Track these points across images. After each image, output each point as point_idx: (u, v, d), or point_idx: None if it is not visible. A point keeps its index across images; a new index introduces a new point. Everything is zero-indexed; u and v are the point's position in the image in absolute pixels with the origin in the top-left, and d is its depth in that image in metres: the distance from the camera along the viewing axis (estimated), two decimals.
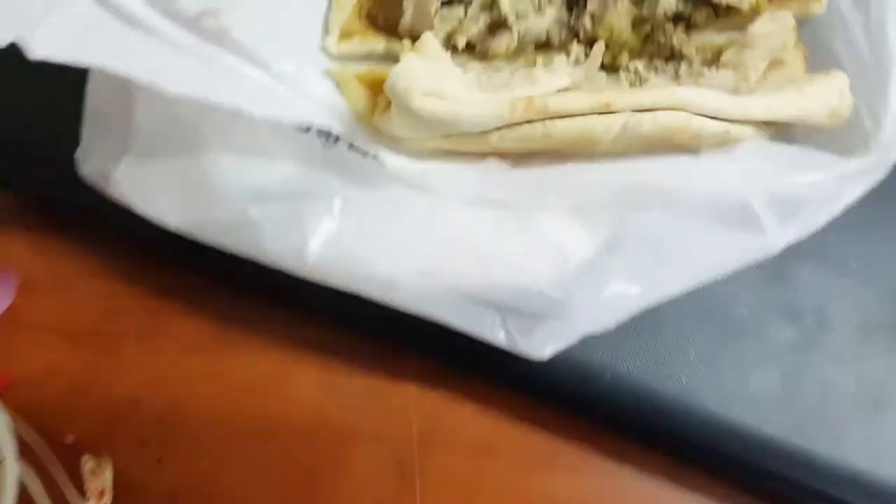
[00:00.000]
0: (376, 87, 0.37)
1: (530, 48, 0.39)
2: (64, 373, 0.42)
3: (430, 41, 0.36)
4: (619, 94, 0.34)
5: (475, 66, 0.39)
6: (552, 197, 0.34)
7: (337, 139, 0.33)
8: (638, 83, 0.37)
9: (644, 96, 0.33)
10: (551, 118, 0.33)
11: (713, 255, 0.34)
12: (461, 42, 0.38)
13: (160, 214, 0.34)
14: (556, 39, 0.39)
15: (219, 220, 0.34)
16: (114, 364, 0.42)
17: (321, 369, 0.42)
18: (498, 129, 0.34)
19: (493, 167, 0.36)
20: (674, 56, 0.39)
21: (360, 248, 0.33)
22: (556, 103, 0.33)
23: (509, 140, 0.34)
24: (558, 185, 0.35)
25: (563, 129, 0.33)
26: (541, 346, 0.34)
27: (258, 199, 0.33)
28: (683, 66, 0.38)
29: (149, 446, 0.41)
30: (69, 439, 0.41)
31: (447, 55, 0.37)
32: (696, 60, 0.38)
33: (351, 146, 0.33)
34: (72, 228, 0.45)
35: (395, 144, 0.36)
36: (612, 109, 0.33)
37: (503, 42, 0.39)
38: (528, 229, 0.34)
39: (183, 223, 0.34)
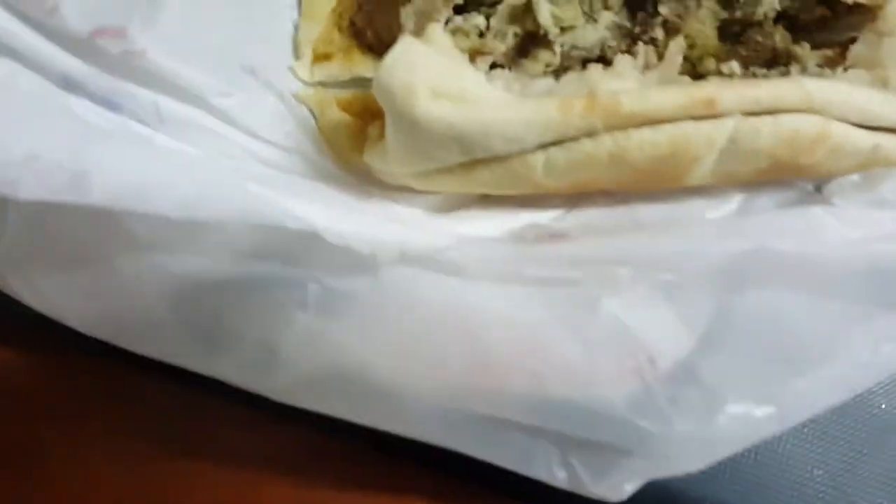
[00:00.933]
0: (366, 117, 0.30)
1: (577, 67, 0.31)
2: None
3: (438, 32, 0.27)
4: (726, 85, 0.26)
5: (502, 74, 0.31)
6: (624, 271, 0.26)
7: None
8: None
9: (762, 90, 0.26)
10: (624, 128, 0.25)
11: (871, 351, 0.25)
12: (484, 65, 0.30)
13: (55, 310, 0.27)
14: (613, 55, 0.31)
15: (135, 320, 0.27)
16: (32, 486, 0.35)
17: (300, 486, 0.34)
18: (544, 147, 0.26)
19: (537, 227, 0.28)
20: (777, 60, 0.30)
21: (349, 357, 0.25)
22: (635, 102, 0.25)
23: (561, 167, 0.27)
24: (633, 254, 0.26)
25: (643, 146, 0.26)
26: (618, 488, 0.25)
27: (192, 291, 0.25)
28: (794, 71, 0.29)
29: None
30: None
31: (463, 56, 0.29)
32: (812, 61, 0.30)
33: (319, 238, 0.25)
34: None
35: (392, 199, 0.28)
36: (716, 111, 0.25)
37: (541, 62, 0.30)
38: (594, 319, 0.26)
39: (86, 323, 0.27)
